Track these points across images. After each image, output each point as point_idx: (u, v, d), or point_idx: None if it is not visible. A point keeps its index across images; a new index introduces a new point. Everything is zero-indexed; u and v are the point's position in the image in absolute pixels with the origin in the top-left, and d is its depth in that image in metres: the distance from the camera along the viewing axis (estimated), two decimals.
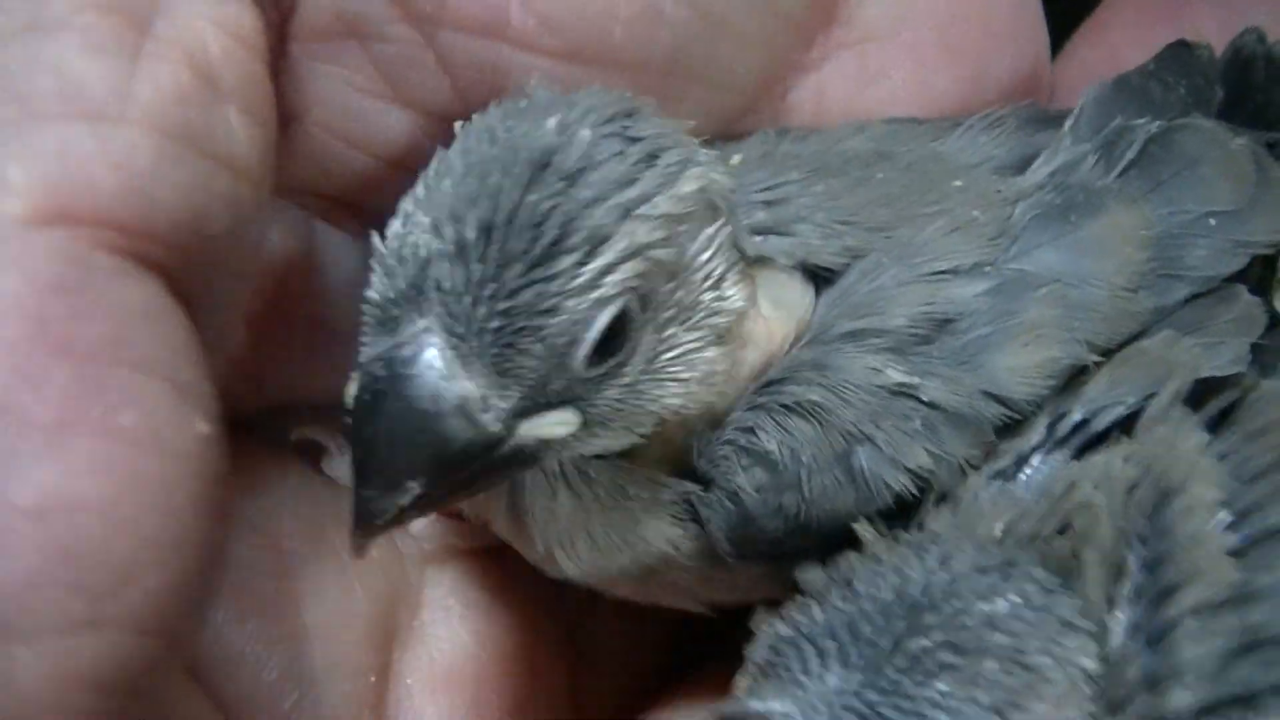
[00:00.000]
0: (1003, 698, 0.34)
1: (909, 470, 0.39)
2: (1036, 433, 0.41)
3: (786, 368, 0.39)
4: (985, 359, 0.40)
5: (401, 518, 0.34)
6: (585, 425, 0.36)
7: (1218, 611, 0.36)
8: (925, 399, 0.39)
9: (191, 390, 0.31)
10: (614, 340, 0.35)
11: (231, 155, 0.33)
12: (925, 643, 0.34)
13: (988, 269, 0.41)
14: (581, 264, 0.33)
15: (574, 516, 0.40)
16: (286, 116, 0.37)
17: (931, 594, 0.35)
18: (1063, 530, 0.39)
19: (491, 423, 0.33)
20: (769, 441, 0.39)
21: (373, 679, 0.43)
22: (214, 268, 0.33)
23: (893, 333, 0.40)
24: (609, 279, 0.33)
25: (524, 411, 0.34)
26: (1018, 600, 0.36)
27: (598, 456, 0.39)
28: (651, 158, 0.35)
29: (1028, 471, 0.41)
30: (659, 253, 0.35)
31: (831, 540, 0.39)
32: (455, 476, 0.34)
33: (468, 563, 0.46)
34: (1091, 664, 0.36)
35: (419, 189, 0.34)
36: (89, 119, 0.30)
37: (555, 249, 0.33)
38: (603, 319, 0.34)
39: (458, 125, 0.35)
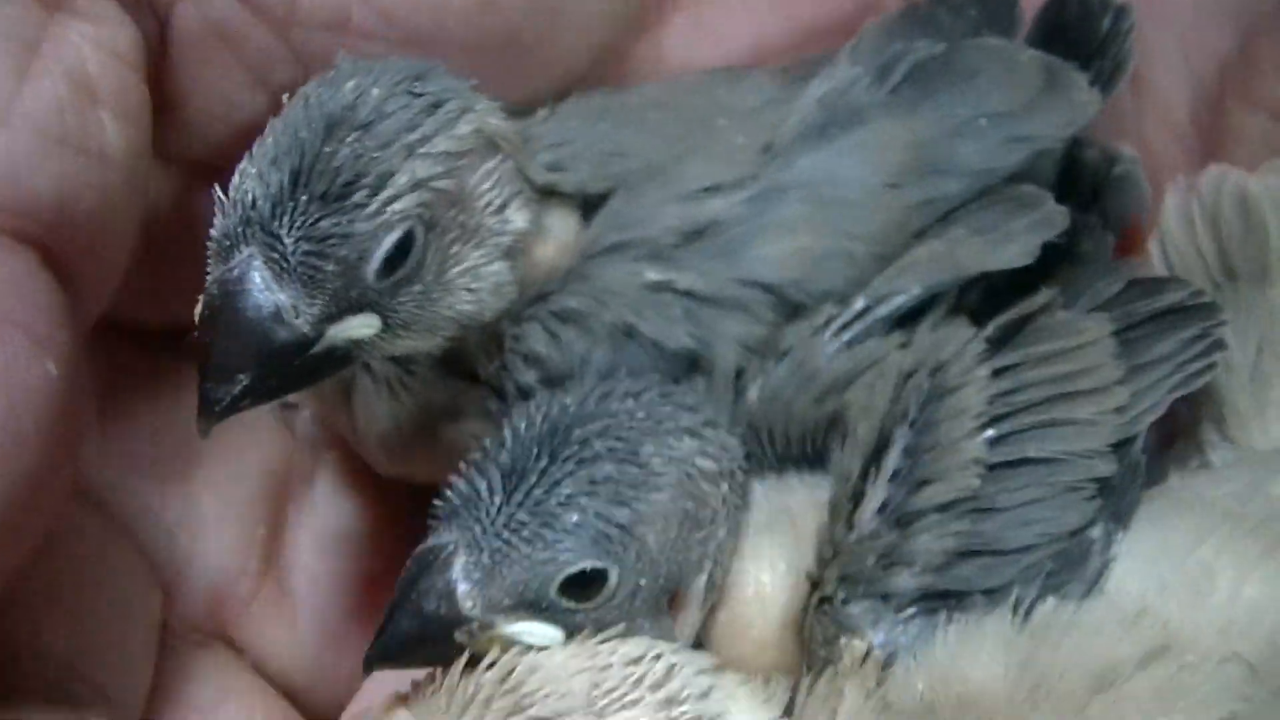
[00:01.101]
0: (620, 492, 0.41)
1: (671, 353, 0.44)
2: (820, 316, 0.44)
3: (555, 281, 0.45)
4: (739, 252, 0.45)
5: (236, 405, 0.41)
6: (388, 328, 0.42)
7: (956, 514, 0.40)
8: (682, 288, 0.44)
9: (46, 338, 0.38)
10: (402, 256, 0.41)
11: (103, 150, 0.40)
12: (564, 455, 0.41)
13: (747, 183, 0.45)
14: (370, 197, 0.39)
15: (390, 418, 0.47)
16: (171, 104, 0.45)
17: (575, 417, 0.42)
18: (829, 399, 0.43)
19: (302, 325, 0.40)
20: (538, 345, 0.45)
21: (262, 531, 0.49)
22: (92, 236, 0.40)
23: (651, 241, 0.45)
24: (393, 207, 0.40)
25: (330, 316, 0.40)
26: (641, 412, 0.42)
27: (413, 366, 0.45)
28: (433, 107, 0.41)
29: (813, 350, 0.44)
30: (440, 184, 0.41)
31: None
32: (278, 371, 0.41)
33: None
34: (709, 465, 0.42)
35: (252, 149, 0.41)
36: None
37: (349, 188, 0.39)
38: (389, 240, 0.40)
39: (284, 97, 0.42)
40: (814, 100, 0.47)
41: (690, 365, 0.45)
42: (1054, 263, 0.46)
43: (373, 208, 0.40)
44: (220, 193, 0.41)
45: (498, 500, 0.41)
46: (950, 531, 0.40)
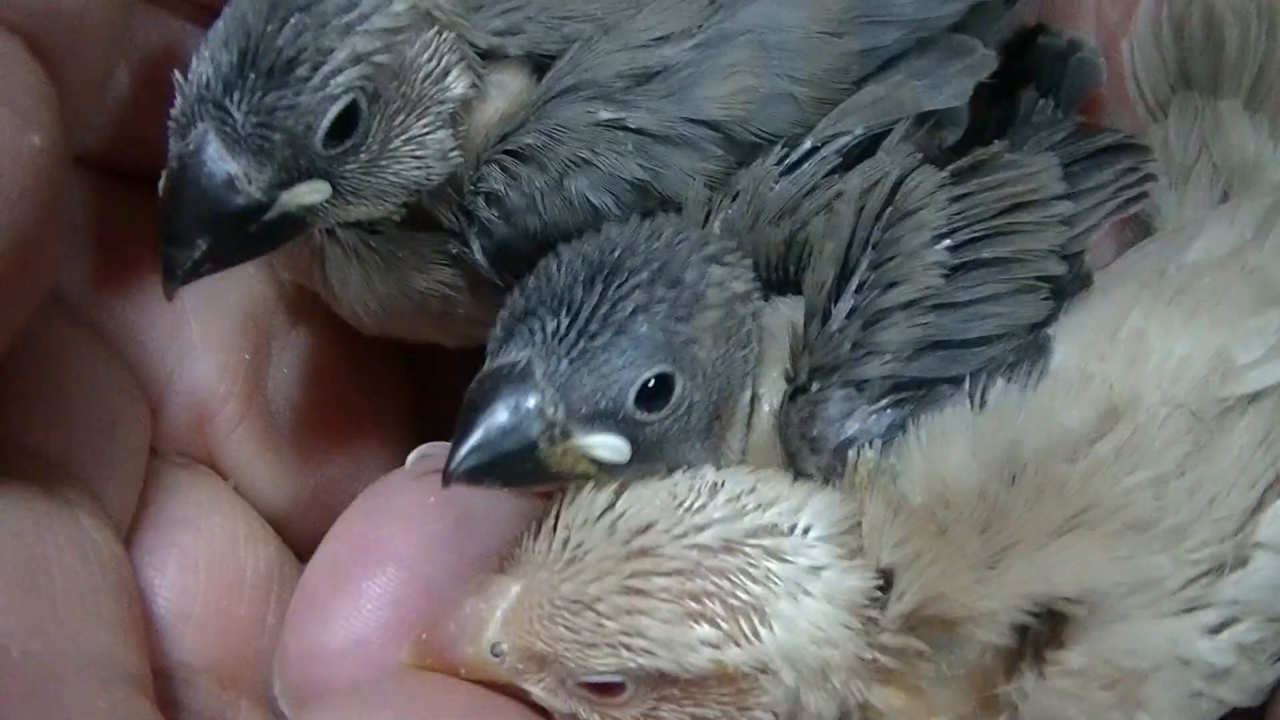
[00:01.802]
0: (676, 310, 0.43)
1: (626, 182, 0.46)
2: (772, 156, 0.47)
3: (511, 127, 0.47)
4: (687, 93, 0.46)
5: (197, 269, 0.44)
6: (338, 194, 0.45)
7: (921, 309, 0.44)
8: (633, 126, 0.46)
9: (30, 114, 0.40)
10: (348, 127, 0.44)
11: None
12: (617, 281, 0.43)
13: (694, 31, 0.47)
14: (312, 71, 0.42)
15: (362, 280, 0.49)
16: None
17: (626, 249, 0.44)
18: (785, 221, 0.46)
19: (255, 192, 0.43)
20: (496, 183, 0.47)
21: (247, 358, 0.52)
22: (75, 35, 0.42)
23: (603, 84, 0.46)
24: (334, 81, 0.43)
25: (281, 183, 0.43)
26: (674, 244, 0.45)
27: (376, 228, 0.48)
28: None
29: (764, 184, 0.47)
30: (379, 58, 0.44)
31: None
32: (234, 236, 0.44)
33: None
34: (741, 286, 0.45)
35: (207, 35, 0.44)
36: None
37: (292, 64, 0.42)
38: (332, 110, 0.43)
39: None
40: None
41: (643, 198, 0.47)
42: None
43: (315, 81, 0.42)
44: (179, 77, 0.43)
45: (564, 317, 0.42)
46: (916, 324, 0.44)
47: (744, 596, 0.41)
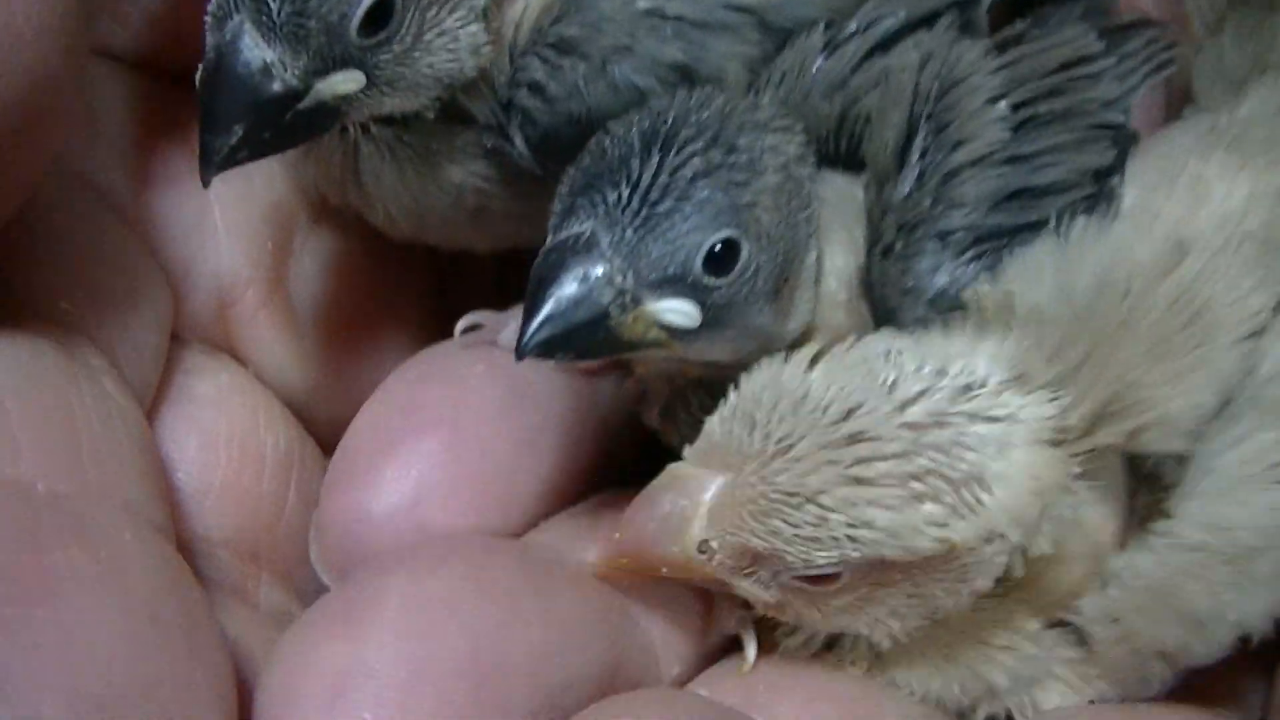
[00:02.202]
0: (735, 175, 0.43)
1: (667, 65, 0.46)
2: (815, 36, 0.47)
3: (549, 19, 0.47)
4: None
5: (234, 156, 0.44)
6: (372, 85, 0.45)
7: (992, 164, 0.45)
8: (671, 14, 0.47)
9: None
10: (381, 17, 0.44)
11: None
12: (674, 148, 0.42)
13: None
14: None
15: (396, 176, 0.49)
16: None
17: (679, 118, 0.44)
18: (834, 99, 0.47)
19: (290, 79, 0.43)
20: (538, 74, 0.47)
21: (270, 247, 0.52)
22: None
23: None
24: None
25: (316, 71, 0.44)
26: (724, 113, 0.44)
27: (410, 126, 0.48)
28: None
29: (811, 63, 0.48)
30: None
31: None
32: (271, 124, 0.44)
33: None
34: (795, 149, 0.45)
35: None
36: None
37: None
38: (366, 1, 0.43)
39: None
40: None
41: (685, 80, 0.47)
42: None
43: None
44: None
45: (625, 187, 0.42)
46: (990, 176, 0.44)
47: (963, 467, 0.40)
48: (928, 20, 0.48)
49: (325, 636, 0.39)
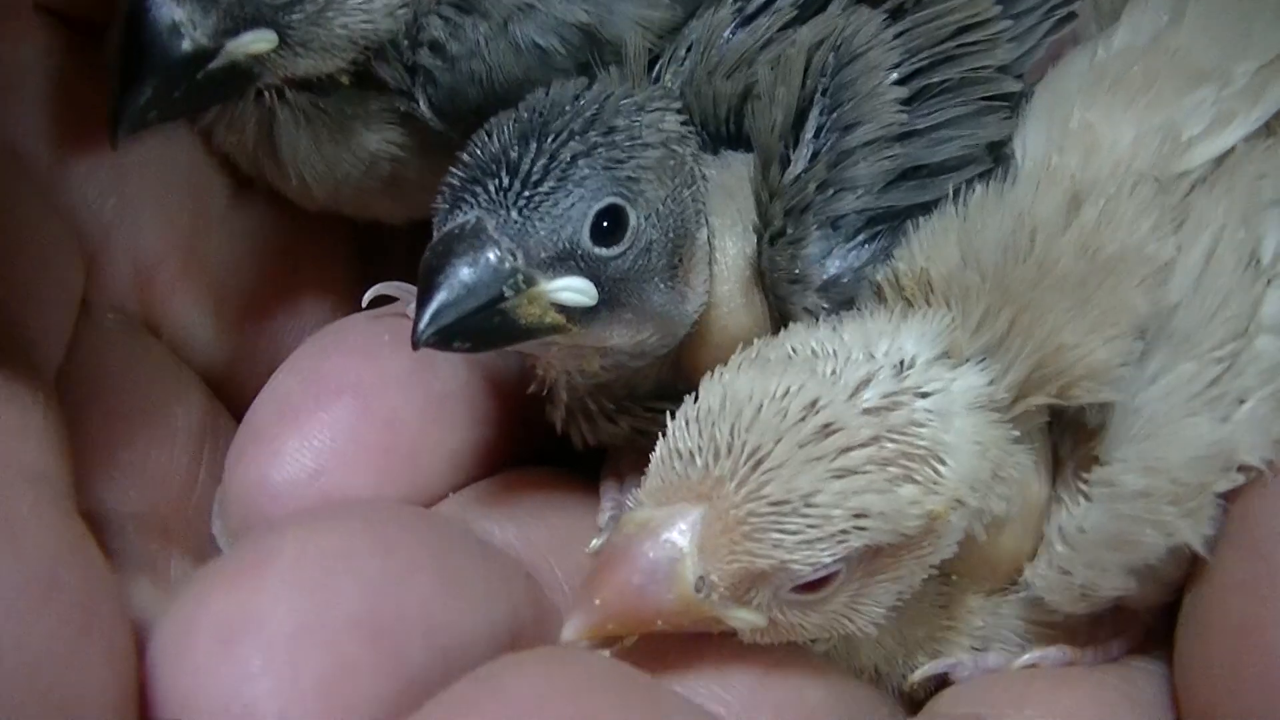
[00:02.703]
0: (615, 154, 0.43)
1: (571, 25, 0.46)
2: (726, 7, 0.47)
3: None
4: None
5: (143, 118, 0.44)
6: (285, 45, 0.45)
7: (885, 145, 0.45)
8: None
9: None
10: None
11: None
12: (551, 135, 0.43)
13: None
14: None
15: (311, 144, 0.49)
16: None
17: (553, 107, 0.44)
18: (736, 75, 0.46)
19: (200, 37, 0.44)
20: (438, 32, 0.47)
21: (187, 216, 0.51)
22: None
23: None
24: None
25: (226, 31, 0.44)
26: (598, 98, 0.45)
27: (325, 93, 0.48)
28: None
29: (718, 34, 0.47)
30: None
31: None
32: (181, 84, 0.44)
33: None
34: (674, 127, 0.46)
35: None
36: None
37: None
38: None
39: None
40: None
41: (589, 42, 0.47)
42: None
43: None
44: None
45: (505, 175, 0.42)
46: (883, 156, 0.45)
47: (922, 444, 0.40)
48: None
49: (217, 590, 0.38)
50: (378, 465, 0.46)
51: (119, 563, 0.43)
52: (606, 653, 0.42)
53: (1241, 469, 0.43)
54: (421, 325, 0.41)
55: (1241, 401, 0.43)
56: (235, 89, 0.46)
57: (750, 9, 0.48)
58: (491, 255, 0.42)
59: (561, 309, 0.43)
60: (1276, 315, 0.44)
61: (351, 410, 0.46)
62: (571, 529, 0.47)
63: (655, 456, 0.41)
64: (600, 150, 0.43)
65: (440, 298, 0.41)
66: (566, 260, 0.42)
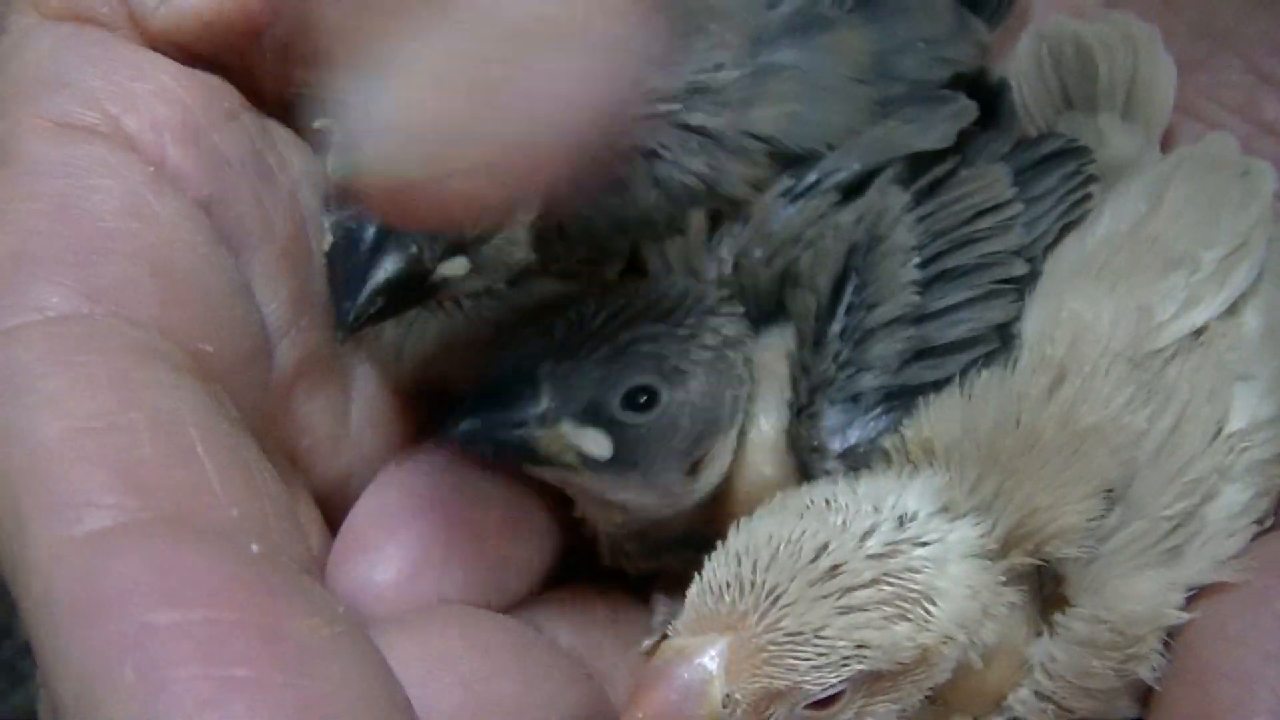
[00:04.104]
0: (671, 346, 0.50)
1: (693, 174, 0.52)
2: (778, 187, 0.53)
3: None
4: (742, 110, 0.52)
5: (366, 323, 0.48)
6: (474, 269, 0.50)
7: (902, 324, 0.50)
8: (694, 124, 0.51)
9: None
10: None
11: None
12: (624, 317, 0.49)
13: (745, 62, 0.52)
14: None
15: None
16: None
17: (640, 299, 0.50)
18: (779, 257, 0.52)
19: (429, 262, 0.48)
20: None
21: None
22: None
23: (664, 89, 0.51)
24: None
25: (439, 257, 0.48)
26: (672, 294, 0.51)
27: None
28: None
29: (771, 212, 0.53)
30: None
31: None
32: (403, 295, 0.49)
33: None
34: (732, 332, 0.52)
35: None
36: None
37: None
38: None
39: None
40: (791, 8, 0.54)
41: (688, 206, 0.52)
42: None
43: None
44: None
45: (579, 335, 0.49)
46: (899, 338, 0.50)
47: (915, 587, 0.47)
48: (881, 169, 0.54)
49: None
50: (464, 573, 0.52)
51: None
52: None
53: (1190, 596, 0.50)
54: (452, 425, 0.48)
55: (1192, 553, 0.50)
56: (429, 299, 0.51)
57: (799, 189, 0.53)
58: (532, 389, 0.48)
59: (579, 453, 0.49)
60: (1243, 481, 0.51)
61: (443, 523, 0.51)
62: (626, 633, 0.55)
63: (690, 592, 0.48)
64: (661, 340, 0.50)
65: (477, 408, 0.48)
66: (593, 416, 0.48)
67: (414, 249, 0.48)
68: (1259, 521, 0.52)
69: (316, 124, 0.51)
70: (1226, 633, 0.49)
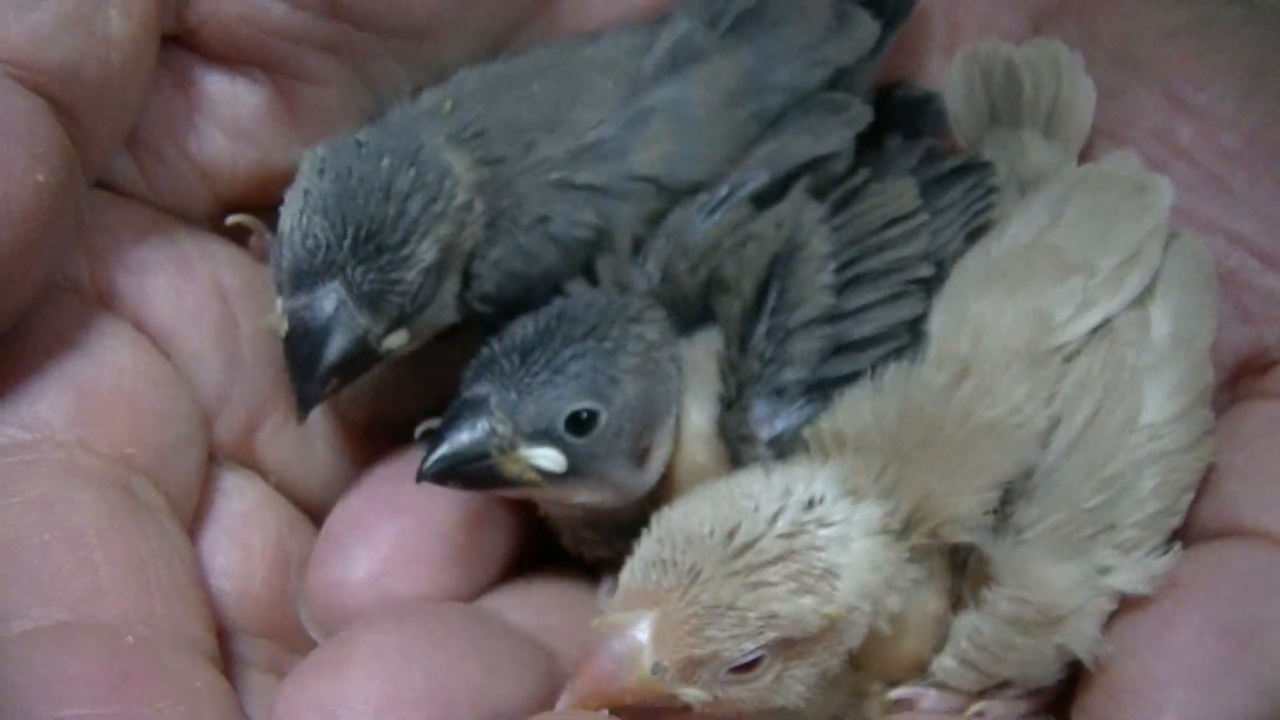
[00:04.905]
0: (603, 359, 0.54)
1: (585, 225, 0.57)
2: (694, 203, 0.58)
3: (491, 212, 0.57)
4: (622, 158, 0.57)
5: (321, 398, 0.54)
6: (411, 339, 0.55)
7: (819, 325, 0.55)
8: (580, 183, 0.57)
9: (40, 156, 0.49)
10: (425, 292, 0.55)
11: (107, 35, 0.51)
12: (559, 336, 0.54)
13: (619, 113, 0.57)
14: (410, 255, 0.54)
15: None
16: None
17: (568, 316, 0.55)
18: (702, 266, 0.57)
19: (375, 340, 0.54)
20: (488, 249, 0.57)
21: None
22: (94, 100, 0.51)
23: (550, 159, 0.57)
24: (426, 256, 0.54)
25: (385, 333, 0.54)
26: (600, 310, 0.55)
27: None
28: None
29: (689, 227, 0.58)
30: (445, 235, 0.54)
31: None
32: (354, 371, 0.54)
33: None
34: (655, 337, 0.56)
35: (306, 191, 0.54)
36: (19, 7, 0.49)
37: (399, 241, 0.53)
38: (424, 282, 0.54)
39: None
40: (665, 47, 0.59)
41: (592, 248, 0.58)
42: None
43: (413, 259, 0.54)
44: (285, 229, 0.53)
45: (518, 361, 0.53)
46: (817, 336, 0.55)
47: (818, 562, 0.51)
48: (791, 178, 0.59)
49: (315, 679, 0.50)
50: (430, 569, 0.57)
51: (254, 667, 0.56)
52: (605, 713, 0.53)
53: (1114, 597, 0.54)
54: (426, 464, 0.53)
55: (1112, 544, 0.54)
56: (373, 367, 0.56)
57: (713, 203, 0.58)
58: (486, 424, 0.53)
59: (538, 470, 0.54)
60: (1154, 471, 0.55)
61: (409, 525, 0.57)
62: (580, 613, 0.60)
63: (623, 572, 0.53)
64: (589, 356, 0.54)
65: (442, 449, 0.53)
66: (544, 437, 0.53)
67: (362, 330, 0.53)
68: (1173, 511, 0.57)
69: (230, 221, 0.59)
70: (1138, 650, 0.53)
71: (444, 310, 0.58)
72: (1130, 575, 0.54)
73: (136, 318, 0.56)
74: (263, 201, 0.61)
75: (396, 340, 0.55)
